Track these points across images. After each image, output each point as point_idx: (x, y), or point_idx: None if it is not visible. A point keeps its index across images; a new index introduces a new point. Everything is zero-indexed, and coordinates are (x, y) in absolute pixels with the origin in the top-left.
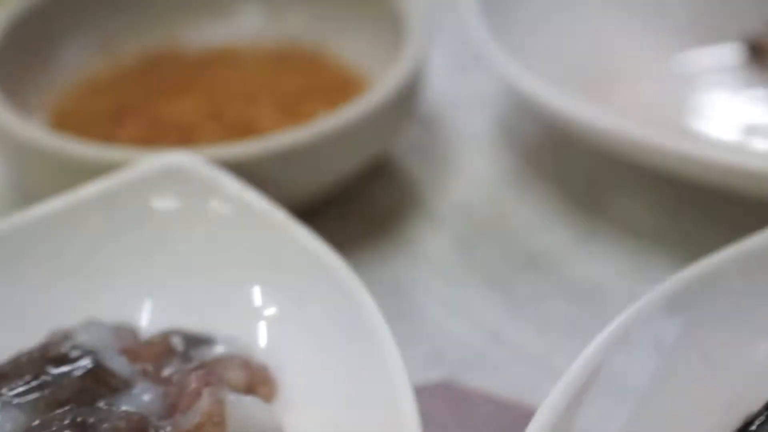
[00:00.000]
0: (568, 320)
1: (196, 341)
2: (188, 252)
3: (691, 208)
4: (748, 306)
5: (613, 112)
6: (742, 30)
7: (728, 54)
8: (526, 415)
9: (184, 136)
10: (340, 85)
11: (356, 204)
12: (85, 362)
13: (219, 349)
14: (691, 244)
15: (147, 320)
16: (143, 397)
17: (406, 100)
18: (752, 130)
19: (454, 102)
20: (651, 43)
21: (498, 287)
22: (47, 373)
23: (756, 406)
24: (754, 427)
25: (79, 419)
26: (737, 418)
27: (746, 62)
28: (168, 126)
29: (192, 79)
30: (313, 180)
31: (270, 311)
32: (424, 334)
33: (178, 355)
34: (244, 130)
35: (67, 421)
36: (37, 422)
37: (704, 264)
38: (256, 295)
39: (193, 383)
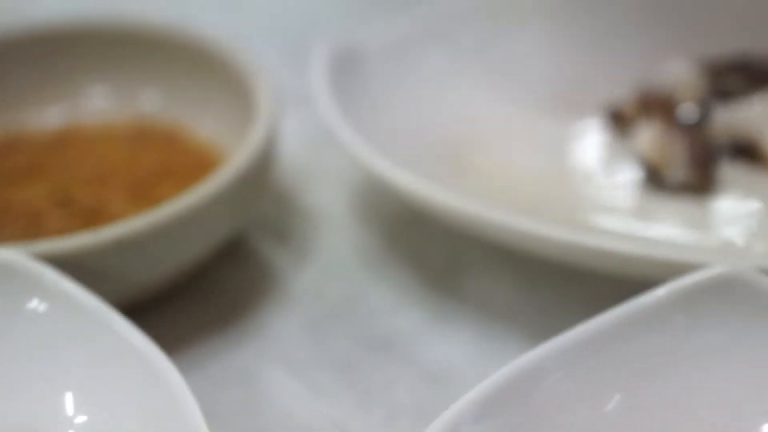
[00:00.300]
0: (417, 407)
1: None
2: (5, 354)
3: (548, 284)
4: (569, 402)
5: (468, 188)
6: (606, 100)
7: (593, 124)
8: None
9: (32, 224)
10: (197, 165)
11: (207, 288)
12: None
13: None
14: (547, 322)
15: None
16: None
17: (256, 179)
18: (608, 206)
19: (310, 179)
20: (514, 114)
21: (349, 373)
22: None
23: None
24: None
25: None
26: None
27: (610, 132)
28: (16, 213)
29: (42, 164)
30: (159, 267)
31: (89, 416)
32: (269, 424)
33: None
34: (94, 216)
35: None
36: None
37: (525, 360)
38: (75, 399)
39: None
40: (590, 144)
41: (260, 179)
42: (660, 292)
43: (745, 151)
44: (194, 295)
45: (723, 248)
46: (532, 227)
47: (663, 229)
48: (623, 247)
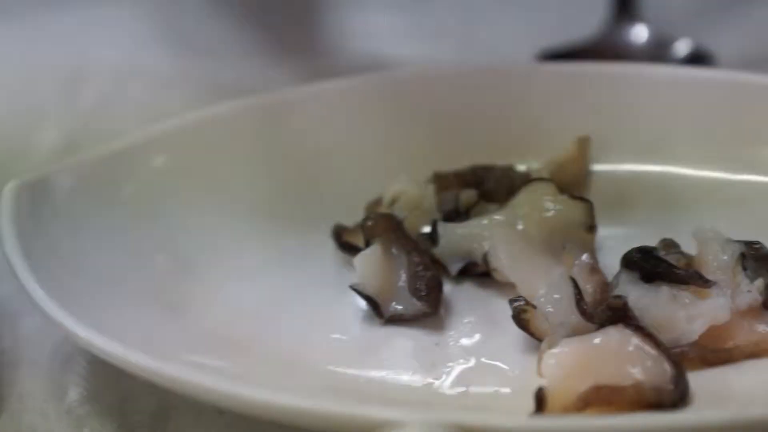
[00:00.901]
0: None
1: None
2: None
3: None
4: None
5: (175, 330)
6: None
7: (322, 249)
8: None
9: None
10: None
11: None
12: None
13: None
14: None
15: None
16: None
17: None
18: (329, 344)
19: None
20: (229, 242)
21: None
22: None
23: None
24: None
25: None
26: None
27: (339, 256)
28: None
29: None
30: None
31: None
32: None
33: None
34: None
35: None
36: None
37: None
38: None
39: None
40: (317, 271)
41: None
42: None
43: (474, 270)
44: None
45: (430, 396)
46: (225, 388)
47: (379, 369)
48: (312, 405)
